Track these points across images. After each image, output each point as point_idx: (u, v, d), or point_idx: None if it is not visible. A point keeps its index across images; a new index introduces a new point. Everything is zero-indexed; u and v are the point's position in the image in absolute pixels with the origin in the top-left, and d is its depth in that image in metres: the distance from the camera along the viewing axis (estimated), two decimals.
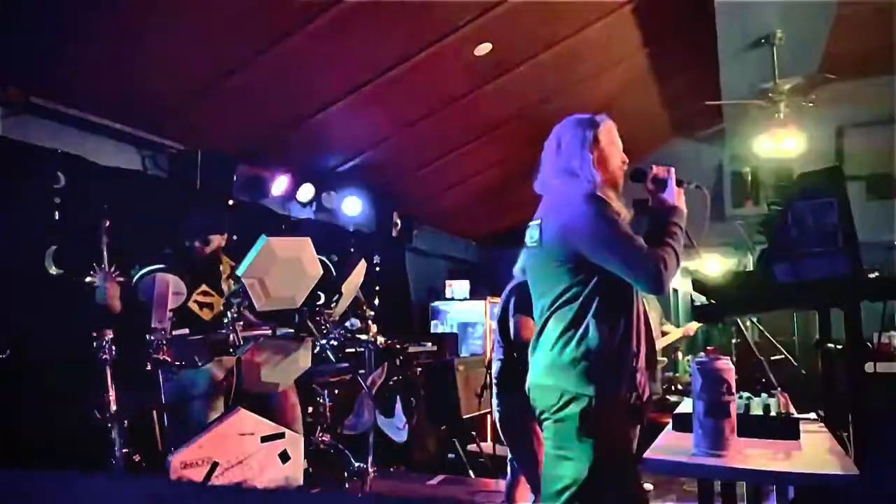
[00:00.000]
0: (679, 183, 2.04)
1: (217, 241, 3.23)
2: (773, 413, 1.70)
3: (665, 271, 1.78)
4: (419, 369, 5.51)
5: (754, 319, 2.63)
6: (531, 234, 2.05)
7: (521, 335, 3.14)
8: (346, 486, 3.58)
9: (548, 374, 1.93)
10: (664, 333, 4.59)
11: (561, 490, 1.84)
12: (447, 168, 5.78)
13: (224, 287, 3.18)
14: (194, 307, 3.10)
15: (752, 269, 1.79)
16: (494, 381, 3.37)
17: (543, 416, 1.96)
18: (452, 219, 7.21)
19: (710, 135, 7.04)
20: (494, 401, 3.36)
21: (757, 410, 1.72)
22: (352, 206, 5.45)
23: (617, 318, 1.88)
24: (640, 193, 2.10)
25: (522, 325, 3.15)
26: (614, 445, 1.81)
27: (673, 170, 2.04)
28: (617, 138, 2.08)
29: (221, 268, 3.26)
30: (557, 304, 1.93)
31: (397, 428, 4.52)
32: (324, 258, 2.97)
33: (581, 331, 1.87)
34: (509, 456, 3.48)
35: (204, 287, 3.16)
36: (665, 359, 5.30)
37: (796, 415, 1.70)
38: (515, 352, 3.24)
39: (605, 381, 1.83)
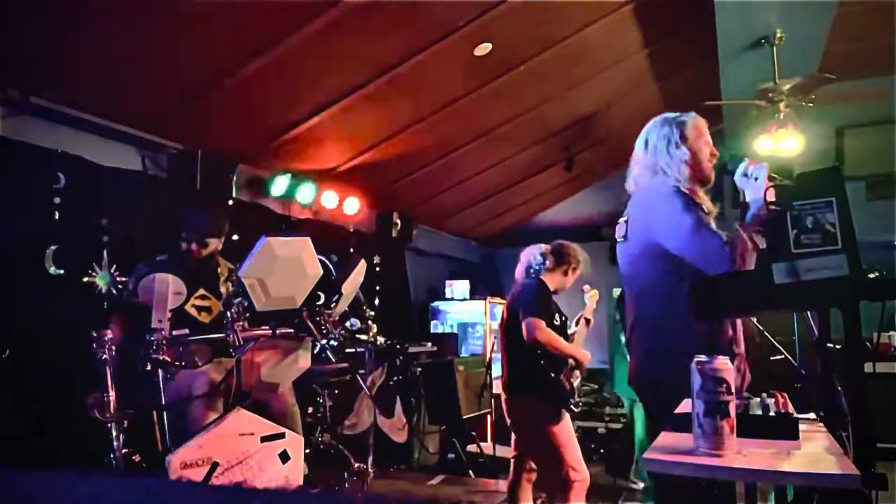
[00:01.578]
0: (771, 179, 2.04)
1: (214, 244, 3.22)
2: (772, 413, 1.70)
3: (743, 266, 1.80)
4: (419, 369, 5.52)
5: (754, 319, 2.63)
6: (619, 231, 2.12)
7: (535, 337, 3.12)
8: (346, 486, 3.59)
9: (648, 365, 1.95)
10: None
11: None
12: (447, 168, 5.78)
13: (222, 290, 3.18)
14: (192, 311, 3.09)
15: (751, 268, 1.79)
16: (503, 386, 3.36)
17: (654, 409, 1.99)
18: (452, 219, 7.22)
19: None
20: (504, 405, 3.34)
21: (756, 410, 1.72)
22: (352, 206, 5.45)
23: None
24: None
25: (535, 327, 3.13)
26: None
27: (766, 165, 2.05)
28: (706, 132, 2.13)
29: (219, 270, 3.25)
30: (649, 297, 1.96)
31: (397, 428, 4.52)
32: (324, 258, 2.97)
33: (675, 322, 1.89)
34: (511, 455, 3.49)
35: (202, 291, 3.16)
36: None
37: (796, 415, 1.70)
38: (525, 355, 3.23)
39: None
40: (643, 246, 1.98)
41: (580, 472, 3.12)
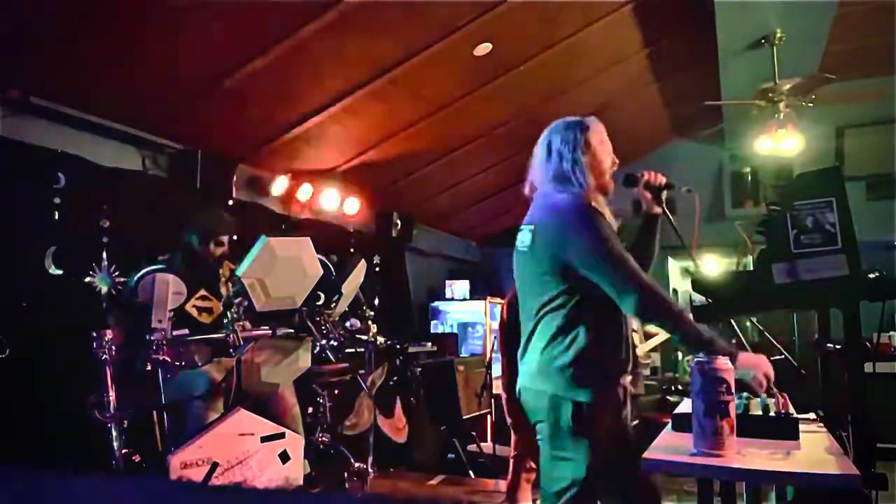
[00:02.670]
0: (671, 187, 2.06)
1: (226, 242, 3.23)
2: (772, 413, 1.70)
3: (653, 297, 1.78)
4: (419, 369, 5.51)
5: (754, 319, 2.63)
6: (522, 239, 2.05)
7: None
8: (346, 486, 3.59)
9: (539, 378, 1.94)
10: (652, 335, 4.48)
11: (561, 491, 1.86)
12: (447, 168, 5.78)
13: (223, 291, 3.17)
14: (193, 311, 3.09)
15: (751, 269, 1.79)
16: (503, 386, 3.36)
17: (537, 419, 1.98)
18: (452, 219, 7.21)
19: (710, 135, 7.04)
20: (505, 405, 3.34)
21: (756, 410, 1.72)
22: (352, 206, 5.45)
23: (605, 323, 1.89)
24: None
25: None
26: (609, 445, 1.83)
27: (660, 175, 2.07)
28: (606, 139, 2.05)
29: (221, 271, 3.25)
30: (546, 309, 1.93)
31: (397, 428, 4.52)
32: (324, 258, 2.97)
33: (571, 336, 1.87)
34: (511, 455, 3.49)
35: (203, 292, 3.16)
36: (650, 360, 5.23)
37: (796, 415, 1.70)
38: None
39: (595, 385, 1.84)
40: (549, 258, 1.91)
41: None
